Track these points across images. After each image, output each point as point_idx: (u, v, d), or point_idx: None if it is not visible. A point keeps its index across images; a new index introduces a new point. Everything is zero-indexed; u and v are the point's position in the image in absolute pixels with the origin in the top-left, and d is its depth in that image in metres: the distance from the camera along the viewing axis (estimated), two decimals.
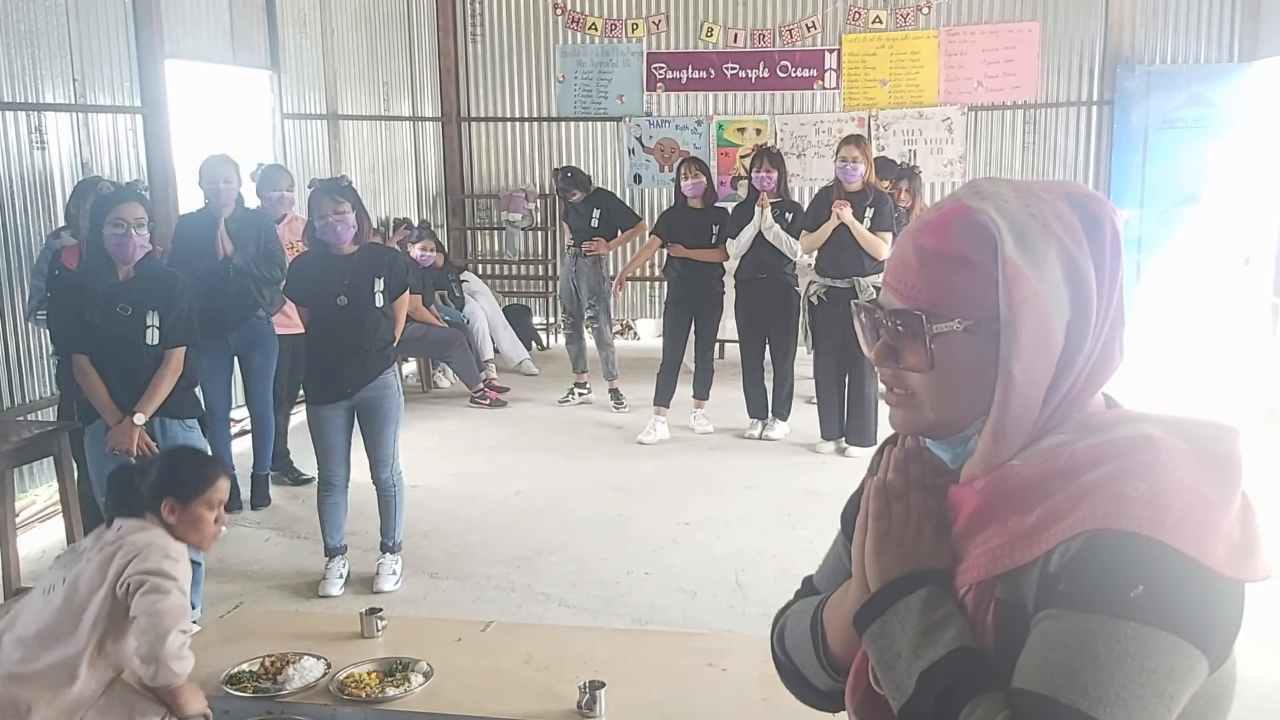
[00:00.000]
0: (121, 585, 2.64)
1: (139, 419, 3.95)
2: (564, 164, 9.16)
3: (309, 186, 4.76)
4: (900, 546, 1.15)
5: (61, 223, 5.37)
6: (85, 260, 4.26)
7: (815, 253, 6.64)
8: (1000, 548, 1.08)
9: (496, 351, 8.79)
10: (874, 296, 1.21)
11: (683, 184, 6.96)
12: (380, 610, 3.68)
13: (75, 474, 4.66)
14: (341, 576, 4.79)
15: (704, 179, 6.97)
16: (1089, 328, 1.11)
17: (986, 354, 1.11)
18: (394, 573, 4.81)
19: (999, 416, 1.11)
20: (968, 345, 1.12)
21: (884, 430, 6.50)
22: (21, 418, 5.53)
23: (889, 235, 6.38)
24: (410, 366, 8.72)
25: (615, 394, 7.70)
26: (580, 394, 7.84)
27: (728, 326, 7.53)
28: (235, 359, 5.75)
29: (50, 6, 5.77)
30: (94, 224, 3.95)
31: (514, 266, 10.48)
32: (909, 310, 1.13)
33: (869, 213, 6.36)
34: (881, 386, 1.23)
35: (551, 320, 10.38)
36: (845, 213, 6.36)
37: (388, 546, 4.85)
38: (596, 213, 7.65)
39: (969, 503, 1.13)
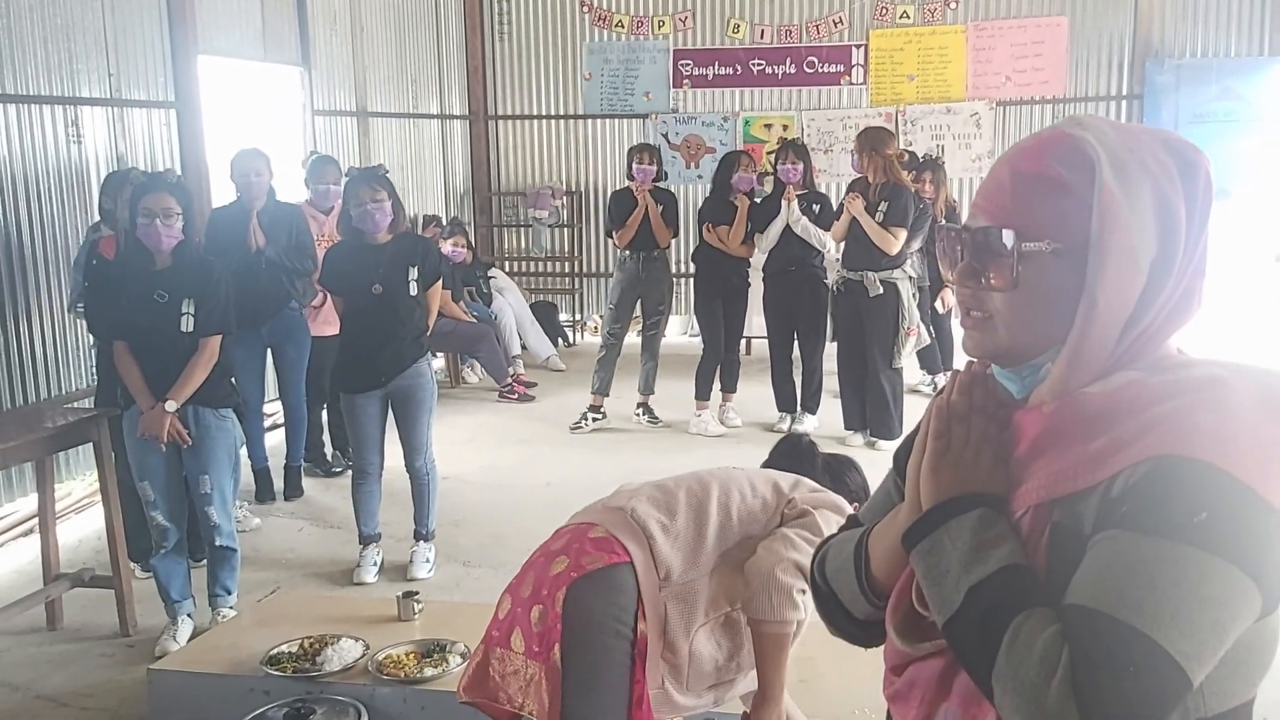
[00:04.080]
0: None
1: (170, 406, 3.97)
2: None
3: (345, 175, 4.79)
4: (958, 468, 1.15)
5: (96, 217, 5.43)
6: (123, 248, 4.30)
7: (843, 244, 6.65)
8: (1063, 471, 1.08)
9: (524, 347, 8.82)
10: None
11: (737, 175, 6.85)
12: (416, 594, 3.72)
13: (114, 461, 4.71)
14: (376, 564, 4.81)
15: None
16: (1173, 268, 1.11)
17: (1071, 279, 1.11)
18: (427, 560, 4.83)
19: (1076, 343, 1.11)
20: (1053, 268, 1.12)
21: (910, 420, 6.49)
22: (59, 407, 5.60)
23: (901, 231, 6.35)
24: (439, 362, 8.75)
25: (649, 410, 7.28)
26: (595, 419, 7.21)
27: (755, 324, 7.51)
28: (269, 352, 5.80)
29: (87, 3, 5.84)
30: (130, 212, 3.99)
31: (540, 264, 10.51)
32: (998, 228, 1.14)
33: (882, 206, 6.35)
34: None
35: (578, 317, 10.39)
36: (855, 205, 6.37)
37: (421, 534, 4.88)
38: (660, 209, 7.17)
39: (1034, 426, 1.14)
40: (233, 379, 4.32)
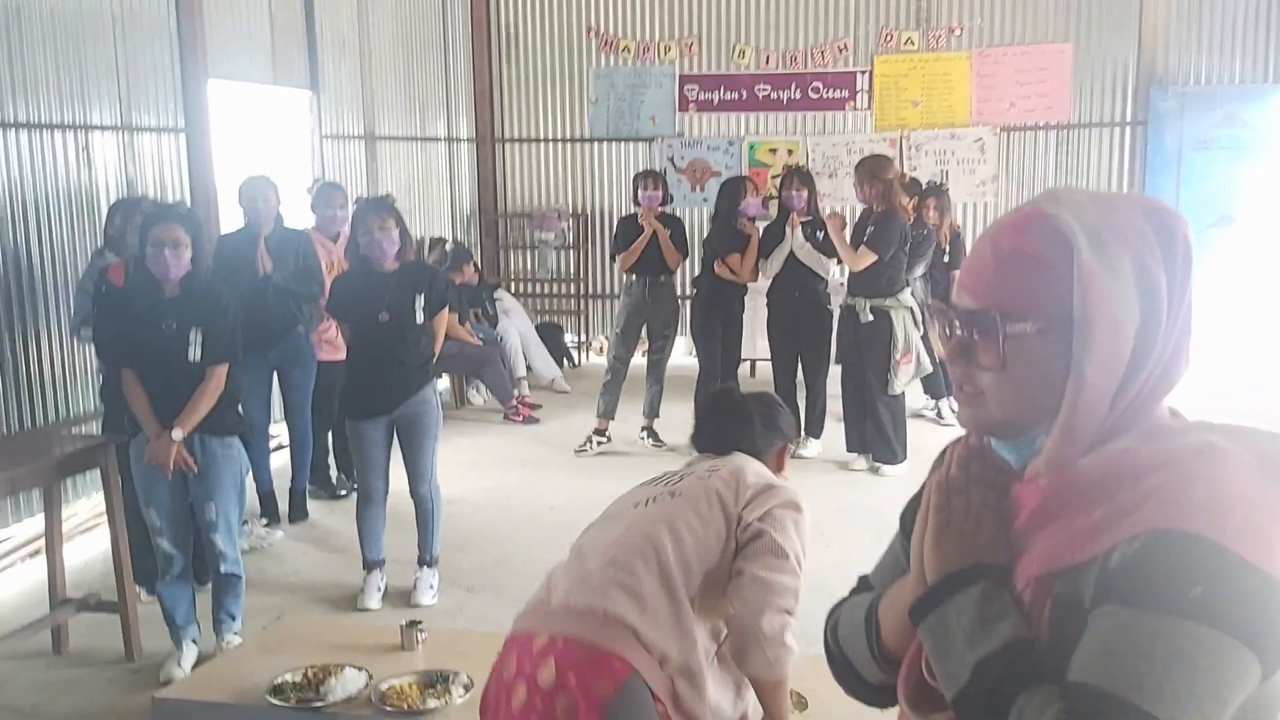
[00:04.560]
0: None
1: (177, 434, 4.00)
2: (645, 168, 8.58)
3: (353, 204, 4.84)
4: (960, 541, 1.17)
5: (102, 242, 5.48)
6: (132, 276, 4.34)
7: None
8: (1061, 544, 1.10)
9: (529, 369, 8.85)
10: (945, 304, 1.23)
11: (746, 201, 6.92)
12: (420, 623, 3.73)
13: (120, 486, 4.74)
14: (380, 589, 4.84)
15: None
16: (1158, 335, 1.13)
17: (1058, 356, 1.14)
18: (431, 586, 4.85)
19: (1068, 416, 1.13)
20: (1040, 346, 1.14)
21: (913, 444, 6.49)
22: (67, 431, 5.64)
23: (869, 253, 6.37)
24: (444, 383, 8.79)
25: (653, 433, 7.29)
26: (600, 442, 7.22)
27: (759, 346, 7.54)
28: (275, 375, 5.84)
29: (98, 30, 5.90)
30: (140, 242, 4.03)
31: (546, 285, 10.55)
32: (984, 310, 1.16)
33: (870, 229, 6.40)
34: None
35: (583, 339, 10.43)
36: (833, 222, 6.52)
37: (425, 560, 4.90)
38: (669, 233, 7.18)
39: (1032, 499, 1.16)
40: (239, 406, 4.34)
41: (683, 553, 2.32)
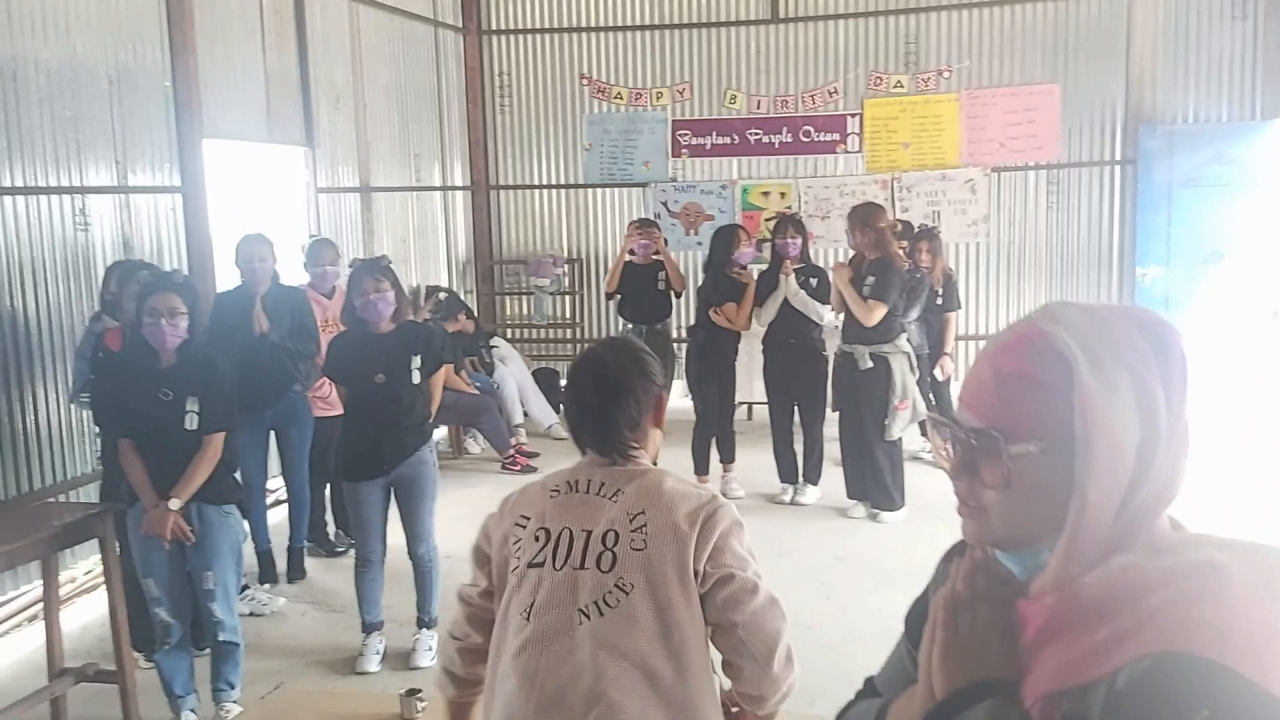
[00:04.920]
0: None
1: (174, 504, 4.01)
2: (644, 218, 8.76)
3: (349, 266, 4.87)
4: (967, 656, 1.18)
5: (98, 306, 5.50)
6: (129, 344, 4.36)
7: (843, 316, 6.71)
8: (1069, 664, 1.11)
9: (526, 415, 8.85)
10: (943, 418, 1.23)
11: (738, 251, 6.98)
12: (420, 691, 3.71)
13: (118, 552, 4.74)
14: (378, 653, 4.82)
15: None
16: (1158, 450, 1.15)
17: (1060, 474, 1.15)
18: (430, 648, 4.83)
19: (1071, 534, 1.15)
20: (1042, 465, 1.16)
21: (910, 488, 6.46)
22: (64, 494, 5.64)
23: (881, 306, 6.38)
24: (441, 432, 8.79)
25: None
26: None
27: (755, 389, 7.55)
28: (271, 434, 5.84)
29: (94, 94, 5.95)
30: (137, 311, 4.05)
31: (543, 330, 10.58)
32: (987, 430, 1.18)
33: (869, 280, 6.41)
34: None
35: None
36: (840, 275, 6.48)
37: (424, 622, 4.89)
38: (661, 275, 7.39)
39: (1038, 617, 1.17)
40: (236, 474, 4.35)
41: (677, 657, 2.08)
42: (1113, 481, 1.13)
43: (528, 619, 2.11)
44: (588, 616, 2.08)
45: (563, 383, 10.12)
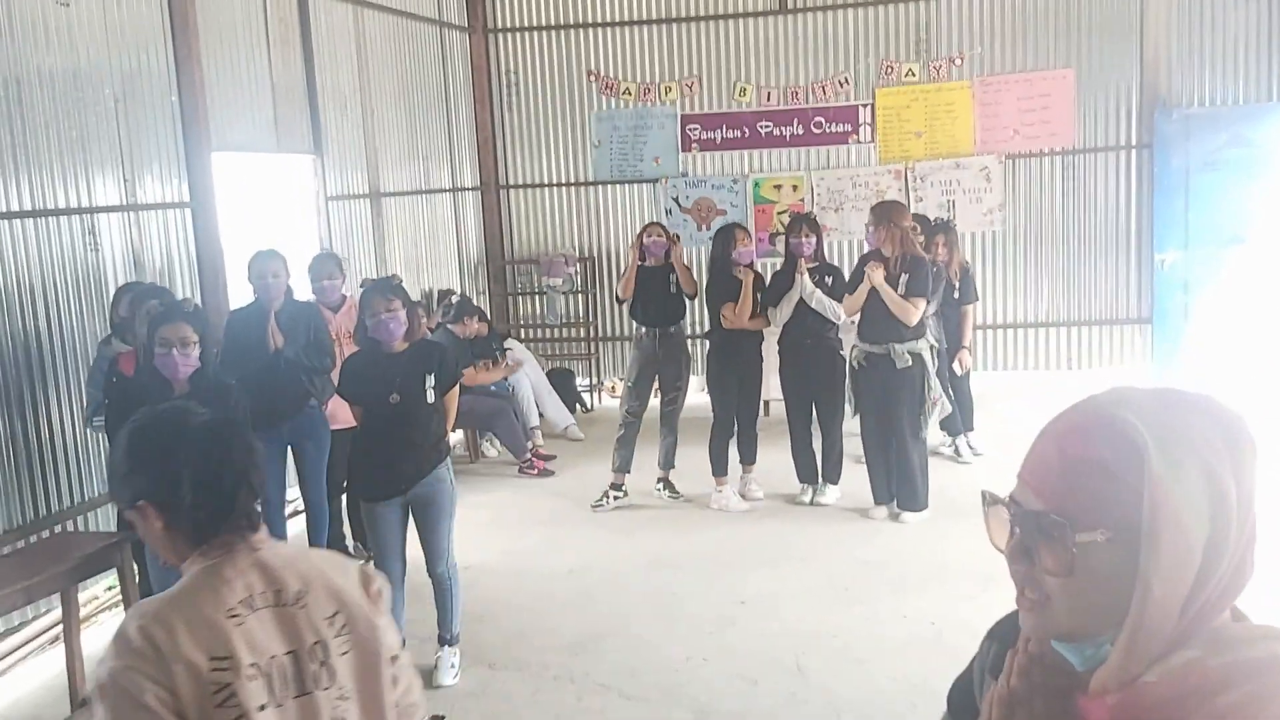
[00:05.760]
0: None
1: None
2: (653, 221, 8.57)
3: (360, 286, 4.83)
4: None
5: (109, 329, 5.48)
6: (141, 371, 4.33)
7: (857, 317, 6.63)
8: None
9: (541, 416, 8.82)
10: (1009, 495, 1.20)
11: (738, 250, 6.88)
12: (444, 717, 3.70)
13: (136, 577, 4.73)
14: None
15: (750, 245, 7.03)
16: (1227, 546, 1.11)
17: (1125, 565, 1.11)
18: (453, 666, 4.82)
19: (1134, 628, 1.11)
20: (1108, 554, 1.12)
21: (935, 493, 6.43)
22: (80, 516, 5.63)
23: (921, 302, 6.35)
24: (457, 436, 8.77)
25: (669, 485, 7.25)
26: (617, 498, 7.15)
27: (772, 384, 7.49)
28: (289, 449, 5.82)
29: (101, 112, 5.91)
30: (148, 342, 4.03)
31: (556, 330, 10.54)
32: (1052, 514, 1.14)
33: (903, 278, 6.34)
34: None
35: (595, 381, 10.40)
36: (877, 275, 6.36)
37: (445, 639, 4.86)
38: (672, 278, 7.12)
39: (1099, 715, 1.14)
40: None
41: None
42: (1179, 576, 1.10)
43: None
44: None
45: (578, 381, 10.10)
